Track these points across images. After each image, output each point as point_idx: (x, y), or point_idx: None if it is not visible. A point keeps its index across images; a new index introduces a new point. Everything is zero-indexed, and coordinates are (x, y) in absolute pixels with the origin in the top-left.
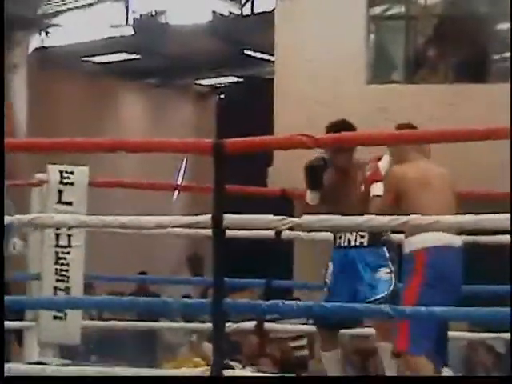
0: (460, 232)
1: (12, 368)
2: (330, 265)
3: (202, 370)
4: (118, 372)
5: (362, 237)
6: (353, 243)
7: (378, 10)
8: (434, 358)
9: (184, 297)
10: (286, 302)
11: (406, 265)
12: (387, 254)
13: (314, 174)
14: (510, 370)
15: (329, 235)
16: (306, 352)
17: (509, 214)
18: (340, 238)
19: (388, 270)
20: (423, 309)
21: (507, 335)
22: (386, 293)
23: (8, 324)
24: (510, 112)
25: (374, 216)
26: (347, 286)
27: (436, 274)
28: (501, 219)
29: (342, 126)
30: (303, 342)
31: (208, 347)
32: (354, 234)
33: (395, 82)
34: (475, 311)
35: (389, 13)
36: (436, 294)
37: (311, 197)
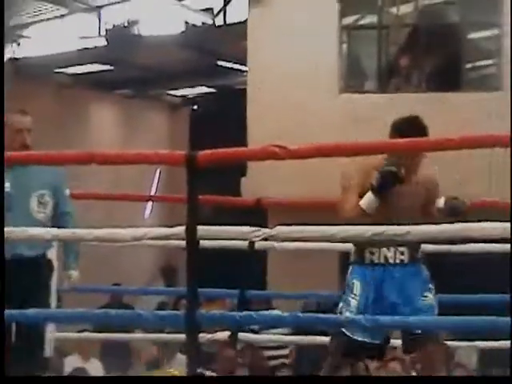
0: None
1: None
2: (357, 283)
3: None
4: None
5: (402, 253)
6: (391, 261)
7: (350, 19)
8: None
9: (160, 304)
10: (260, 313)
11: None
12: (428, 273)
13: (383, 179)
14: (510, 369)
15: (301, 245)
16: (284, 361)
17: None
18: (372, 253)
19: (431, 295)
20: (412, 318)
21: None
22: None
23: None
24: (511, 118)
25: (349, 227)
26: (385, 309)
27: None
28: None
29: (411, 123)
30: (284, 351)
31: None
32: (392, 249)
33: (368, 92)
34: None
35: (361, 22)
36: None
37: (370, 202)
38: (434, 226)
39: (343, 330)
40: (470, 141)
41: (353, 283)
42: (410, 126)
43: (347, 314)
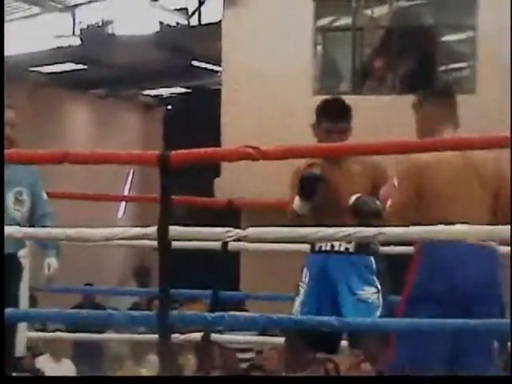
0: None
1: None
2: (306, 271)
3: None
4: None
5: (348, 242)
6: (336, 248)
7: (325, 21)
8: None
9: (133, 305)
10: (231, 314)
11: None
12: (374, 266)
13: (306, 184)
14: (510, 370)
15: (274, 246)
16: (251, 364)
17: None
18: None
19: (373, 289)
20: (381, 321)
21: None
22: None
23: None
24: (510, 119)
25: (322, 228)
26: (326, 300)
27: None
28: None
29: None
30: (249, 354)
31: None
32: None
33: (342, 93)
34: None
35: (336, 24)
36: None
37: (299, 206)
38: (396, 228)
39: None
40: (466, 142)
41: (303, 271)
42: (330, 107)
43: (296, 303)
